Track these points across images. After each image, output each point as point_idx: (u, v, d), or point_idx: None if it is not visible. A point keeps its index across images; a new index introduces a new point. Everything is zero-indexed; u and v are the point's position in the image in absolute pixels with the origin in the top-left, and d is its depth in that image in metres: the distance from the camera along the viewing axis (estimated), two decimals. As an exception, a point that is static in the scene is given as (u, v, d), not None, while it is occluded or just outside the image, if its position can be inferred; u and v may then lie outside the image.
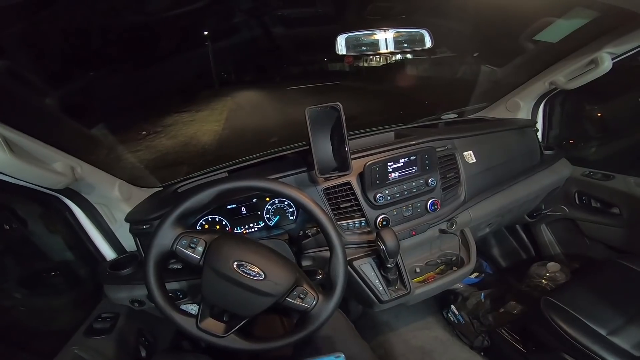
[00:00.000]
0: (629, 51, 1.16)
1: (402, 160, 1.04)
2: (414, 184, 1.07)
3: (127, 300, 1.02)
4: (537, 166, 1.43)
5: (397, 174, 1.04)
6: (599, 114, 1.59)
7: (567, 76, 1.31)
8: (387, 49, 0.95)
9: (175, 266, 0.99)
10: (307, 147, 0.96)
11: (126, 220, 1.07)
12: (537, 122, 1.48)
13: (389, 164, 1.02)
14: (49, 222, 1.12)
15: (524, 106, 1.45)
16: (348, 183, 1.04)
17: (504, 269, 1.83)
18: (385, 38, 0.95)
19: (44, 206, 1.09)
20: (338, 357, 0.75)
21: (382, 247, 0.94)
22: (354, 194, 1.04)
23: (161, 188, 1.24)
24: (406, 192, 1.07)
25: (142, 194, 1.18)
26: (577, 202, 1.53)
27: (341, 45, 0.95)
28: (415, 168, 1.06)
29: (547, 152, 1.48)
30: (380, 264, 1.04)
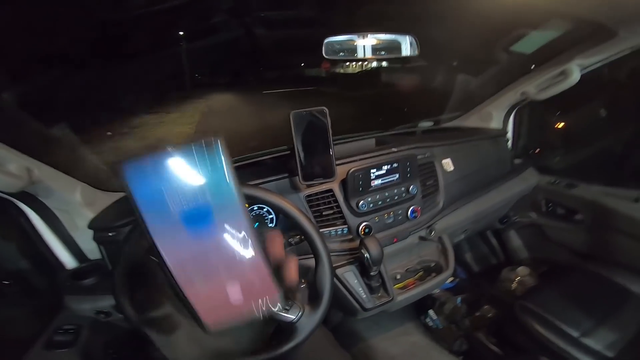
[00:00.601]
0: (597, 63, 1.23)
1: (385, 167, 1.04)
2: (395, 191, 1.08)
3: (91, 311, 0.96)
4: (508, 174, 1.50)
5: (379, 181, 1.04)
6: (562, 125, 1.70)
7: (537, 87, 1.38)
8: (377, 54, 0.95)
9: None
10: (289, 152, 0.94)
11: (89, 227, 0.99)
12: (507, 132, 1.55)
13: (371, 170, 1.02)
14: (0, 228, 1.02)
15: (496, 116, 1.51)
16: (330, 190, 1.03)
17: (477, 274, 1.89)
18: (376, 43, 0.96)
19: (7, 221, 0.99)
20: None
21: (367, 254, 0.93)
22: (336, 201, 1.03)
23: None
24: (388, 200, 1.07)
25: (107, 199, 1.10)
26: (544, 209, 1.61)
27: (330, 48, 0.95)
28: (397, 175, 1.07)
29: (516, 161, 1.55)
30: (363, 271, 1.03)
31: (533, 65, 1.39)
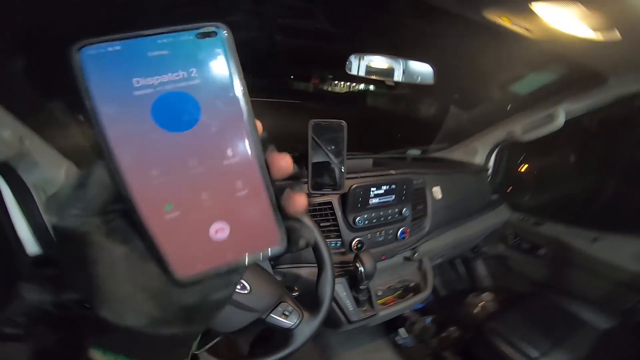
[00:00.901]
0: (583, 109, 1.34)
1: (384, 187, 1.10)
2: (389, 211, 1.14)
3: (49, 304, 0.87)
4: (484, 208, 1.62)
5: (377, 200, 1.10)
6: (535, 167, 1.87)
7: (523, 128, 1.49)
8: (398, 78, 1.01)
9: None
10: (296, 159, 0.96)
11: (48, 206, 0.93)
12: (489, 169, 1.68)
13: (372, 189, 1.07)
14: None
15: (481, 152, 1.64)
16: (329, 203, 1.07)
17: (444, 297, 1.99)
18: (399, 67, 1.01)
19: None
20: None
21: (361, 268, 0.97)
22: (334, 214, 1.07)
23: None
24: (382, 219, 1.12)
25: None
26: (511, 242, 1.75)
27: (355, 65, 0.99)
28: (394, 197, 1.13)
29: (493, 196, 1.69)
30: (352, 284, 1.07)
31: (522, 106, 1.49)
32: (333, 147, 0.95)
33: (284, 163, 0.29)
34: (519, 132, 1.51)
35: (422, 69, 1.05)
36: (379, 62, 1.02)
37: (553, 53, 1.11)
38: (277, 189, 0.29)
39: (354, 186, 1.03)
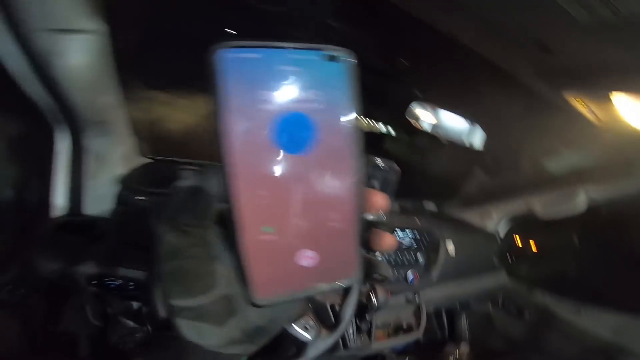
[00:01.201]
0: (607, 197, 1.39)
1: (407, 231, 1.19)
2: (406, 254, 1.23)
3: (54, 273, 0.85)
4: (486, 270, 1.71)
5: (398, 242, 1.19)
6: (539, 241, 1.97)
7: (544, 205, 1.55)
8: (451, 136, 1.08)
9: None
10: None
11: (121, 182, 0.96)
12: (499, 236, 1.77)
13: (397, 230, 1.16)
14: (17, 149, 0.95)
15: (496, 219, 1.72)
16: (357, 234, 1.15)
17: (423, 342, 2.06)
18: (463, 127, 1.07)
19: (35, 128, 0.91)
20: None
21: (374, 299, 1.04)
22: (357, 244, 1.15)
23: (151, 161, 1.12)
24: (399, 260, 1.21)
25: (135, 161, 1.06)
26: (499, 303, 1.85)
27: (421, 115, 1.06)
28: (413, 243, 1.22)
29: (495, 261, 1.78)
30: (359, 312, 1.15)
31: (549, 184, 1.51)
32: (382, 187, 1.03)
33: (381, 201, 0.30)
34: (539, 209, 1.58)
35: (476, 133, 1.12)
36: (440, 116, 1.09)
37: (605, 140, 1.16)
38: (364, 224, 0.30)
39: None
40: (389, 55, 1.41)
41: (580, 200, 1.42)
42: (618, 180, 1.35)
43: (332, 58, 0.27)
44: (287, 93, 0.25)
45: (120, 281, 0.86)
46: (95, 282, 0.86)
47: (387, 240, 0.31)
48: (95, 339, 0.95)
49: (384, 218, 0.34)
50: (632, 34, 0.51)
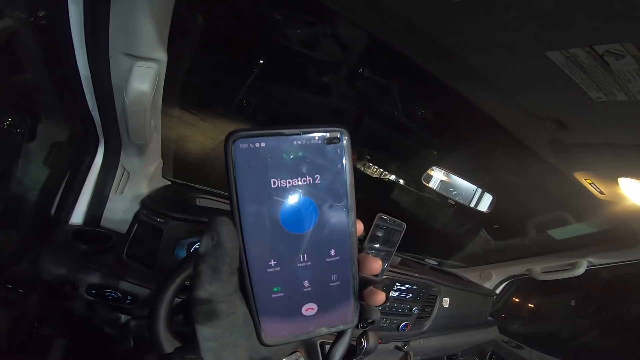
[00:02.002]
0: (605, 263, 1.41)
1: (406, 285, 1.23)
2: (402, 305, 1.26)
3: (60, 278, 0.88)
4: (478, 325, 1.73)
5: (396, 293, 1.22)
6: (535, 301, 1.98)
7: (543, 269, 1.57)
8: (461, 200, 1.12)
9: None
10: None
11: (143, 202, 1.02)
12: (496, 295, 1.79)
13: (396, 284, 1.20)
14: (55, 155, 1.02)
15: (495, 279, 1.75)
16: (357, 280, 1.19)
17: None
18: (474, 191, 1.12)
19: (76, 139, 0.99)
20: None
21: (365, 344, 1.07)
22: (356, 290, 1.19)
23: (169, 182, 1.18)
24: (393, 309, 1.25)
25: (159, 182, 1.13)
26: (487, 357, 1.85)
27: (436, 179, 1.11)
28: (411, 295, 1.25)
29: (489, 318, 1.80)
30: (347, 354, 1.17)
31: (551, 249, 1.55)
32: (387, 240, 1.08)
33: (376, 266, 0.34)
34: (538, 272, 1.60)
35: (485, 198, 1.16)
36: (454, 181, 1.14)
37: (607, 212, 1.18)
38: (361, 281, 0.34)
39: (384, 277, 1.16)
40: (411, 109, 1.47)
41: (579, 266, 1.45)
42: (619, 249, 1.37)
43: (331, 140, 0.30)
44: (292, 178, 0.29)
45: (119, 294, 0.91)
46: (94, 291, 0.90)
47: (378, 298, 0.35)
48: (71, 347, 1.00)
49: (377, 278, 0.37)
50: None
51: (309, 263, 0.31)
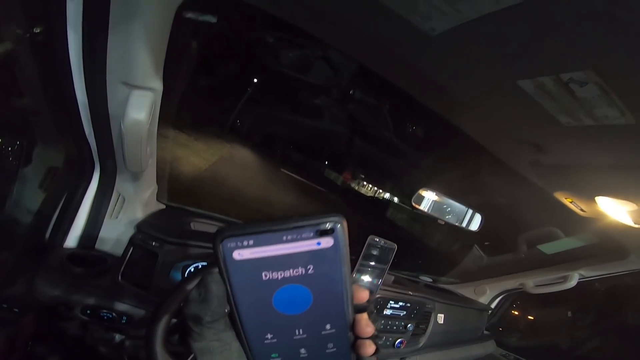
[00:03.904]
0: (597, 275, 1.43)
1: (400, 303, 1.23)
2: (397, 322, 1.26)
3: (54, 300, 0.89)
4: (475, 339, 1.72)
5: (390, 311, 1.23)
6: (531, 314, 1.99)
7: (536, 282, 1.59)
8: (450, 220, 1.15)
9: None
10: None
11: (138, 226, 1.02)
12: (491, 309, 1.79)
13: (390, 302, 1.21)
14: (51, 179, 1.03)
15: (490, 294, 1.76)
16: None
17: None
18: (462, 211, 1.15)
19: (72, 164, 0.99)
20: None
21: None
22: (351, 311, 1.19)
23: (164, 206, 1.19)
24: (388, 327, 1.25)
25: (154, 206, 1.14)
26: (486, 372, 1.84)
27: (427, 201, 1.14)
28: (405, 313, 1.26)
29: (485, 332, 1.79)
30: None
31: (542, 264, 1.56)
32: (379, 261, 1.10)
33: (363, 295, 0.36)
34: (530, 285, 1.62)
35: (474, 217, 1.19)
36: (443, 202, 1.17)
37: (592, 227, 1.21)
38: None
39: (377, 296, 1.17)
40: (401, 130, 1.51)
41: (571, 279, 1.47)
42: (609, 261, 1.39)
43: (324, 232, 0.30)
44: (283, 270, 0.30)
45: (114, 314, 0.92)
46: (89, 312, 0.91)
47: (367, 329, 0.37)
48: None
49: (366, 306, 0.38)
50: (609, 138, 0.58)
51: (305, 336, 0.34)
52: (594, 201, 0.85)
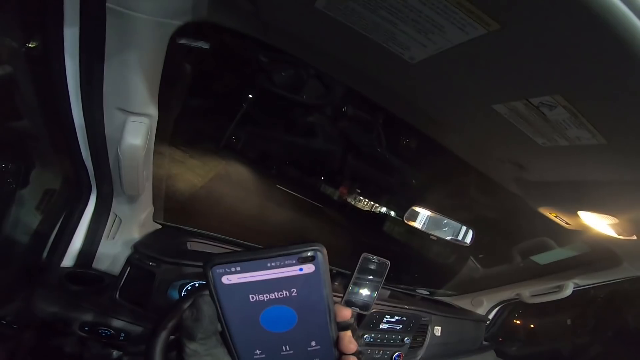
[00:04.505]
0: (592, 284, 1.44)
1: (396, 317, 1.24)
2: (394, 336, 1.27)
3: (52, 316, 0.91)
4: (474, 350, 1.72)
5: (387, 325, 1.24)
6: (530, 323, 1.98)
7: (532, 292, 1.59)
8: (442, 235, 1.17)
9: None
10: (333, 273, 1.12)
11: (135, 247, 1.03)
12: (488, 320, 1.79)
13: (386, 316, 1.22)
14: (48, 201, 1.03)
15: (486, 305, 1.76)
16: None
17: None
18: (455, 227, 1.18)
19: (69, 186, 1.00)
20: None
21: None
22: (348, 326, 1.20)
23: (160, 226, 1.21)
24: (385, 341, 1.25)
25: (150, 227, 1.15)
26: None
27: (420, 217, 1.16)
28: (401, 326, 1.27)
29: (484, 343, 1.79)
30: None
31: (536, 274, 1.57)
32: (373, 277, 1.11)
33: (345, 313, 0.39)
34: (527, 295, 1.62)
35: (465, 233, 1.22)
36: (436, 218, 1.19)
37: (581, 238, 1.22)
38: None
39: (373, 310, 1.17)
40: (394, 146, 1.54)
41: (566, 288, 1.48)
42: (603, 269, 1.40)
43: (305, 260, 0.33)
44: (268, 293, 0.34)
45: (112, 331, 0.92)
46: (87, 328, 0.92)
47: (350, 346, 0.39)
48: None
49: (349, 324, 0.42)
50: (584, 157, 0.61)
51: (292, 352, 0.37)
52: (577, 215, 0.87)
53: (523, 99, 0.49)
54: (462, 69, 0.50)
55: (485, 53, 0.46)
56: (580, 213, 0.85)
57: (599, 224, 0.85)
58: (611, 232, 0.87)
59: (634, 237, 0.92)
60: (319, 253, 0.33)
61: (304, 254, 0.33)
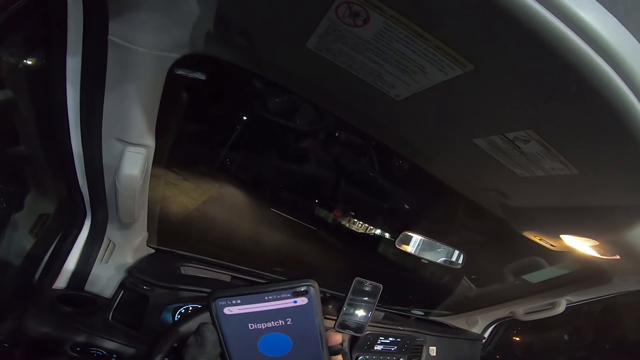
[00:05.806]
0: (584, 300, 1.45)
1: (390, 339, 1.25)
2: (388, 358, 1.28)
3: (47, 336, 0.92)
4: (470, 370, 1.71)
5: (381, 347, 1.24)
6: (527, 340, 1.98)
7: (526, 310, 1.60)
8: (433, 259, 1.20)
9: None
10: (327, 297, 1.14)
11: (128, 271, 1.04)
12: (484, 339, 1.79)
13: (380, 338, 1.22)
14: (42, 224, 1.04)
15: (481, 324, 1.77)
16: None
17: None
18: (446, 250, 1.21)
19: (64, 211, 1.01)
20: None
21: None
22: (342, 348, 1.20)
23: (153, 251, 1.22)
24: (379, 362, 1.25)
25: (144, 251, 1.17)
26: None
27: (413, 243, 1.19)
28: (395, 348, 1.27)
29: (480, 360, 1.79)
30: None
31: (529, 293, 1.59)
32: (366, 299, 1.12)
33: (337, 337, 0.43)
34: (521, 313, 1.63)
35: (456, 256, 1.24)
36: (427, 242, 1.22)
37: (569, 257, 1.27)
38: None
39: (367, 333, 1.18)
40: (386, 170, 1.57)
41: (559, 305, 1.49)
42: (594, 286, 1.40)
43: (299, 293, 0.37)
44: (266, 322, 0.38)
45: (104, 352, 0.93)
46: (79, 349, 0.93)
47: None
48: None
49: (340, 349, 0.46)
50: (560, 186, 0.64)
51: None
52: (560, 238, 0.90)
53: (499, 134, 0.53)
54: (443, 106, 0.54)
55: (463, 91, 0.50)
56: (563, 236, 0.88)
57: (582, 246, 0.88)
58: (594, 253, 0.90)
59: (617, 257, 0.96)
60: (311, 287, 0.38)
61: (298, 289, 0.38)
